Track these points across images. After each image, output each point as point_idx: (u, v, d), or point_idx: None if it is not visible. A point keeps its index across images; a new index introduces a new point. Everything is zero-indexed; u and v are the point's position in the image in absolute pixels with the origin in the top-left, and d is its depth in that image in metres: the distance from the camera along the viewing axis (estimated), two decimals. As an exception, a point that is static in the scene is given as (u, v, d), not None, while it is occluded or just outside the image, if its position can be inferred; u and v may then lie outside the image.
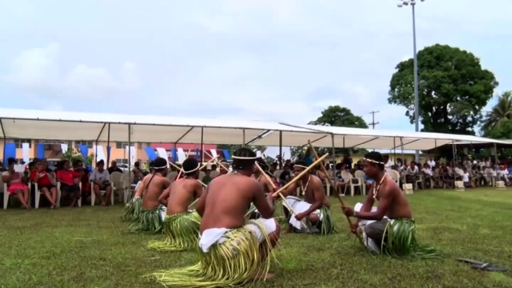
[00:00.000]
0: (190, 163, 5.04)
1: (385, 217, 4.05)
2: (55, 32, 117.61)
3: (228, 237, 3.00)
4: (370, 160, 4.13)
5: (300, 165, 5.54)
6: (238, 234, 3.01)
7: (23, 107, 25.21)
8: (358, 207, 4.39)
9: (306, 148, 22.72)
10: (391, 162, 15.16)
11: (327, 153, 5.89)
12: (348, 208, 4.11)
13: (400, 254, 3.88)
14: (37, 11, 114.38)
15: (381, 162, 4.13)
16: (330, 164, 14.35)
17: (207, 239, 3.03)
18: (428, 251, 4.03)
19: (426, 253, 3.95)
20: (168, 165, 6.53)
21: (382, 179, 4.07)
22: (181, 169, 5.19)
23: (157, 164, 6.31)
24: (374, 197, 4.20)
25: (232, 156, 3.45)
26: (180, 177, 5.32)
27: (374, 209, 4.30)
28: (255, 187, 3.16)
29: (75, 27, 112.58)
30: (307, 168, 4.46)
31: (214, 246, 3.00)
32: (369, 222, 4.13)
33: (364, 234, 4.16)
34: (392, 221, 3.99)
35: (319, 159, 4.39)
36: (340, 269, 3.47)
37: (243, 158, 3.34)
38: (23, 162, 17.90)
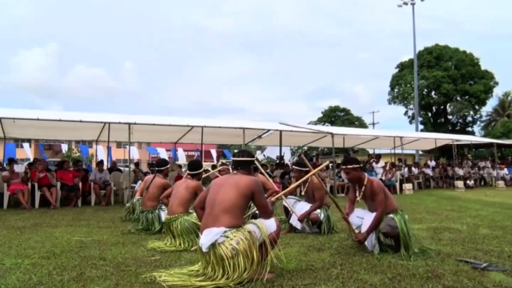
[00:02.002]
0: (195, 164, 5.07)
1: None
2: (54, 31, 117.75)
3: (227, 237, 3.00)
4: (351, 166, 4.23)
5: (297, 167, 5.53)
6: (237, 234, 3.01)
7: (22, 107, 25.26)
8: (354, 219, 4.37)
9: (305, 148, 22.71)
10: (382, 163, 15.21)
11: (327, 162, 5.88)
12: (361, 237, 4.10)
13: (406, 246, 3.93)
14: (36, 11, 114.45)
15: (360, 165, 4.27)
16: (330, 164, 14.34)
17: (206, 238, 3.03)
18: (427, 249, 4.07)
19: (425, 252, 3.99)
20: (169, 166, 6.53)
21: (366, 179, 4.21)
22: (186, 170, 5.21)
23: (159, 164, 6.29)
24: (358, 198, 4.27)
25: (232, 158, 3.51)
26: (185, 177, 5.32)
27: (360, 210, 4.37)
28: (254, 184, 3.18)
29: (74, 27, 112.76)
30: (306, 176, 4.51)
31: (213, 245, 3.00)
32: (366, 221, 4.14)
33: (373, 237, 4.11)
34: (393, 216, 4.04)
35: (319, 168, 4.40)
36: (340, 269, 3.47)
37: (242, 159, 3.40)
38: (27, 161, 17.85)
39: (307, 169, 5.32)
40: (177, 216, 4.60)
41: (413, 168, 15.87)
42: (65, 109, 60.42)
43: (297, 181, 5.24)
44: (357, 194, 4.27)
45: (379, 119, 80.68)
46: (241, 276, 2.94)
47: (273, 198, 3.98)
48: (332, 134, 12.68)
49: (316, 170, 4.51)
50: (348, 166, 4.24)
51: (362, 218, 4.25)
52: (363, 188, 4.19)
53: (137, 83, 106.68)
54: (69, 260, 3.83)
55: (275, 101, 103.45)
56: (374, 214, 4.09)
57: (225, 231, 3.02)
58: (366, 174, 4.31)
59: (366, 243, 4.13)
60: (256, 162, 4.44)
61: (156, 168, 6.21)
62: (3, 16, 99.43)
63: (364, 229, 4.12)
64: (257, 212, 3.57)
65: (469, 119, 36.70)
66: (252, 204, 3.92)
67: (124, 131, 9.79)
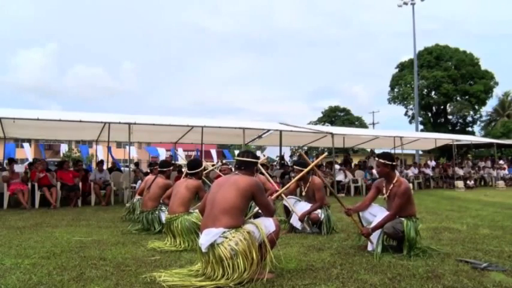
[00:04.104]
0: (194, 163, 5.05)
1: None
2: (54, 31, 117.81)
3: (226, 238, 3.00)
4: (383, 161, 4.19)
5: (299, 167, 5.52)
6: (236, 235, 3.01)
7: (21, 107, 25.25)
8: (367, 215, 4.36)
9: (305, 148, 22.69)
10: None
11: (325, 153, 5.87)
12: (365, 232, 4.11)
13: (408, 251, 3.92)
14: (37, 11, 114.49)
15: (393, 163, 4.20)
16: (326, 153, 14.31)
17: (205, 238, 3.04)
18: (427, 249, 4.07)
19: (425, 252, 3.99)
20: (171, 168, 6.54)
21: (396, 179, 4.16)
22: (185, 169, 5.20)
23: (162, 165, 6.29)
24: (385, 196, 4.22)
25: (235, 157, 3.50)
26: (184, 177, 5.32)
27: (374, 208, 4.33)
28: (254, 185, 3.16)
29: (74, 27, 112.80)
30: (306, 169, 4.48)
31: (212, 246, 3.01)
32: (377, 219, 4.13)
33: (378, 237, 4.10)
34: (405, 221, 4.02)
35: (318, 160, 4.39)
36: (340, 269, 3.47)
37: (245, 160, 3.38)
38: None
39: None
40: (177, 216, 4.59)
41: (412, 169, 15.89)
42: (64, 109, 60.55)
43: (299, 179, 5.22)
44: (384, 191, 4.23)
45: (379, 119, 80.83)
46: (241, 276, 2.94)
47: (273, 196, 3.97)
48: (332, 134, 12.68)
49: (315, 163, 4.49)
50: (380, 160, 4.23)
51: (375, 215, 4.23)
52: (391, 186, 4.15)
53: (137, 83, 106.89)
54: (69, 260, 3.83)
55: (275, 101, 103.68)
56: (387, 213, 4.10)
57: (224, 232, 3.01)
58: (396, 173, 4.25)
59: (369, 243, 4.12)
60: (259, 165, 4.43)
61: (159, 169, 6.22)
62: (3, 16, 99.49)
63: (373, 224, 4.11)
64: (259, 211, 3.57)
65: (469, 119, 36.73)
66: (253, 204, 3.90)
67: (124, 131, 9.79)
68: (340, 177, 13.06)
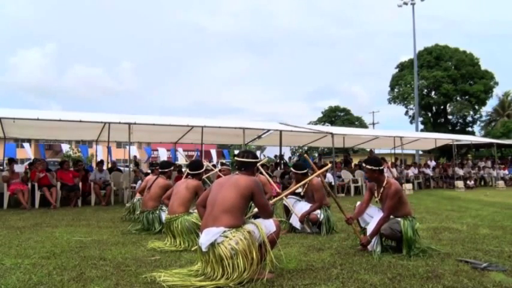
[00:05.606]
0: (196, 164, 5.08)
1: (391, 217, 4.11)
2: (53, 31, 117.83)
3: (227, 237, 3.00)
4: (369, 167, 4.28)
5: (295, 170, 5.49)
6: (236, 234, 3.01)
7: (21, 107, 25.25)
8: (365, 217, 4.39)
9: (305, 148, 22.66)
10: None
11: (329, 166, 5.88)
12: (364, 241, 4.13)
13: (408, 251, 3.93)
14: (36, 11, 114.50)
15: (380, 168, 4.27)
16: (329, 164, 14.34)
17: (205, 237, 3.04)
18: (427, 249, 4.07)
19: (425, 252, 3.99)
20: (172, 168, 6.56)
21: (386, 181, 4.20)
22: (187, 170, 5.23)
23: (163, 166, 6.30)
24: (377, 199, 4.28)
25: (235, 158, 3.48)
26: (185, 177, 5.32)
27: (371, 208, 4.36)
28: (254, 184, 3.16)
29: (73, 27, 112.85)
30: (306, 180, 4.52)
31: (212, 245, 3.01)
32: (374, 220, 4.15)
33: (376, 238, 4.12)
34: (401, 220, 4.03)
35: (319, 172, 4.41)
36: (340, 269, 3.47)
37: (246, 160, 3.36)
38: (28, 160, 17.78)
39: (305, 171, 5.32)
40: (177, 216, 4.60)
41: (412, 169, 15.89)
42: (64, 109, 60.54)
43: (296, 183, 5.24)
44: (376, 194, 4.30)
45: (379, 119, 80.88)
46: (241, 276, 2.94)
47: (271, 201, 3.98)
48: (332, 134, 12.68)
49: (318, 172, 4.51)
50: (366, 166, 4.33)
51: (372, 216, 4.27)
52: (382, 189, 4.20)
53: (137, 83, 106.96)
54: (69, 260, 3.83)
55: (275, 101, 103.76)
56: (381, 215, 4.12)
57: (224, 231, 3.02)
58: (386, 176, 4.32)
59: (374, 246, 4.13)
60: (259, 166, 4.44)
61: (160, 170, 6.22)
62: (3, 16, 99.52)
63: (369, 230, 4.14)
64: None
65: (469, 119, 36.73)
66: (253, 204, 3.90)
67: (124, 131, 9.78)
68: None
